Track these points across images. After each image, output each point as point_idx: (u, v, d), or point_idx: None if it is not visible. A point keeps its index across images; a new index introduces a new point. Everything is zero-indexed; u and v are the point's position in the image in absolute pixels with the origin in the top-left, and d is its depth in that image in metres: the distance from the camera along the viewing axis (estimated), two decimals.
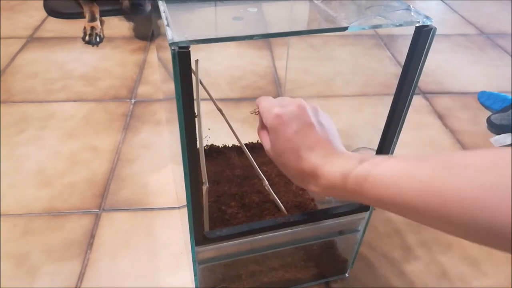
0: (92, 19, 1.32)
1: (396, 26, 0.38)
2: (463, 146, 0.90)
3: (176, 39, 0.33)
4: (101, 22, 1.35)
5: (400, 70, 0.41)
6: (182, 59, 0.33)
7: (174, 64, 0.33)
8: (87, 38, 1.24)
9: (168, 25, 0.35)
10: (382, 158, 0.34)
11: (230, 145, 0.78)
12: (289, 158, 0.37)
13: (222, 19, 0.42)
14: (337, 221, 0.53)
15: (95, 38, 1.25)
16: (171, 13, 0.38)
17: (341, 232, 0.56)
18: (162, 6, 0.39)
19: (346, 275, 0.63)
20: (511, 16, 1.51)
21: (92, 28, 1.27)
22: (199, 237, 0.47)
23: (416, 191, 0.30)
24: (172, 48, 0.33)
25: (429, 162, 0.31)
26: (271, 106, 0.39)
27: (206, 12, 0.42)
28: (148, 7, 1.21)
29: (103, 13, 1.38)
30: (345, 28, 0.37)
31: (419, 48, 0.38)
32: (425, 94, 1.07)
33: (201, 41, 0.34)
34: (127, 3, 1.23)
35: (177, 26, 0.36)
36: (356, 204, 0.53)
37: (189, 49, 0.33)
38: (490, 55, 1.26)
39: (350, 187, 0.34)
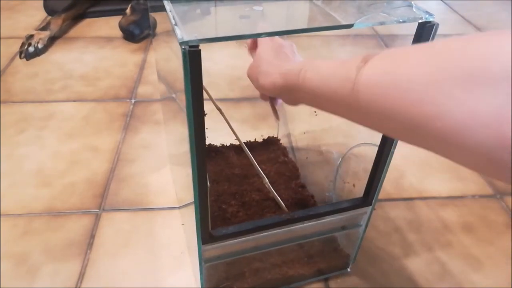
0: (43, 28, 1.19)
1: (400, 22, 0.38)
2: None
3: (186, 38, 0.33)
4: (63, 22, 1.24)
5: None
6: (192, 58, 0.33)
7: (185, 63, 0.33)
8: (20, 48, 1.13)
9: (176, 24, 0.35)
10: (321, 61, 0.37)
11: (227, 145, 0.78)
12: (264, 62, 0.46)
13: (228, 18, 0.42)
14: (340, 216, 0.54)
15: (27, 49, 1.12)
16: (177, 12, 0.38)
17: (344, 227, 0.56)
18: (167, 5, 0.39)
19: (348, 269, 0.64)
20: (511, 16, 1.52)
21: (30, 37, 1.15)
22: (205, 236, 0.47)
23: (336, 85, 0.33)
24: (183, 47, 0.33)
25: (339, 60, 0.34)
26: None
27: (211, 11, 0.42)
28: (139, 36, 1.21)
29: (104, 13, 1.38)
30: (351, 25, 0.37)
31: None
32: None
33: (211, 40, 0.34)
34: (123, 23, 1.23)
35: (184, 25, 0.36)
36: (358, 199, 0.54)
37: (199, 47, 0.33)
38: None
39: (290, 81, 0.39)
